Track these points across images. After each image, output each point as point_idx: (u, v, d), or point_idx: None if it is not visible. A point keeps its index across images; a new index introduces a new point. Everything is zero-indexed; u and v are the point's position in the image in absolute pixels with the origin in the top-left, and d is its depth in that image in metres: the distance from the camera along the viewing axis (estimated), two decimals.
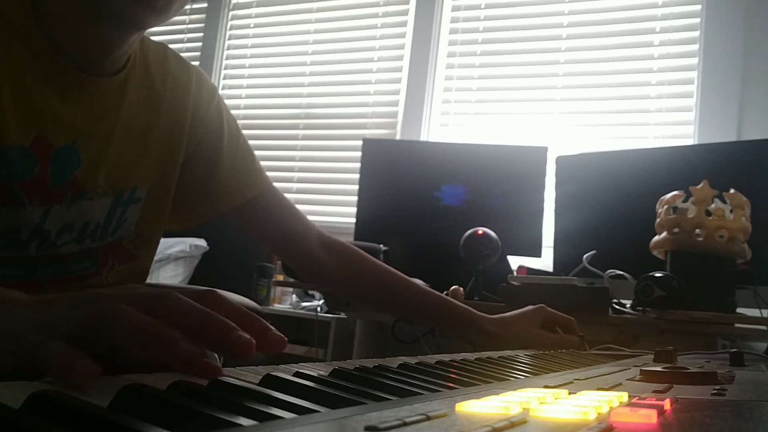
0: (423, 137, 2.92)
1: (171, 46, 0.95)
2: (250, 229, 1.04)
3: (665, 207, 1.52)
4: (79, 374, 0.31)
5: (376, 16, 3.19)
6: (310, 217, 1.11)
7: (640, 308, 1.45)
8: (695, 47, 2.54)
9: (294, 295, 2.83)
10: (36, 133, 0.76)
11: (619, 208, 1.86)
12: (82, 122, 0.79)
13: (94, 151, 0.81)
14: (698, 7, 2.55)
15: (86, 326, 0.37)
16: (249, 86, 3.47)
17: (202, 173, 0.95)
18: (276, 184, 1.06)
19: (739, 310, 1.48)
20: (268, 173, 1.05)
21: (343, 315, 2.37)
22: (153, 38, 0.92)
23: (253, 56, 3.48)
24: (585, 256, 1.65)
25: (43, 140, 0.76)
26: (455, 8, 3.01)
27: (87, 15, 0.74)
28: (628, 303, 1.51)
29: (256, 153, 1.04)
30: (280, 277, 2.51)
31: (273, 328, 0.41)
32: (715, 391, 0.43)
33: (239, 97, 3.46)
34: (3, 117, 0.73)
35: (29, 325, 0.38)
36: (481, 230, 1.79)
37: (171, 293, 0.40)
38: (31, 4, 0.74)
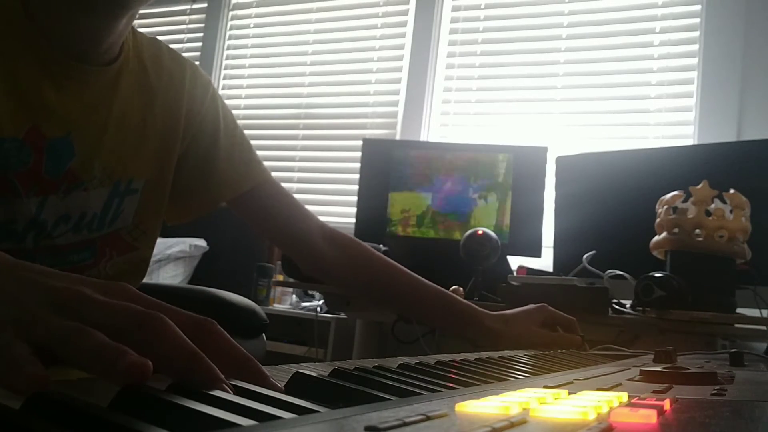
0: (423, 137, 2.92)
1: (171, 46, 0.95)
2: (250, 221, 1.04)
3: (665, 207, 1.52)
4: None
5: (376, 16, 3.19)
6: None
7: (640, 308, 1.45)
8: (695, 47, 2.54)
9: (294, 295, 2.83)
10: (30, 125, 0.76)
11: (619, 208, 1.86)
12: (76, 113, 0.79)
13: (88, 142, 0.81)
14: (698, 7, 2.55)
15: (53, 341, 0.34)
16: (249, 86, 3.47)
17: (200, 165, 0.96)
18: None
19: (739, 310, 1.48)
20: None
21: (343, 315, 2.38)
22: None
23: (253, 56, 3.48)
24: (585, 256, 1.65)
25: (36, 131, 0.76)
26: (455, 8, 3.01)
27: (73, 2, 0.74)
28: (628, 303, 1.51)
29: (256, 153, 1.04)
30: (280, 277, 2.51)
31: (269, 375, 0.37)
32: (715, 392, 0.43)
33: (239, 97, 3.46)
34: None
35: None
36: (481, 230, 1.79)
37: (161, 319, 0.34)
38: None
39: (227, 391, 0.31)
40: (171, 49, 0.94)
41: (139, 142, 0.87)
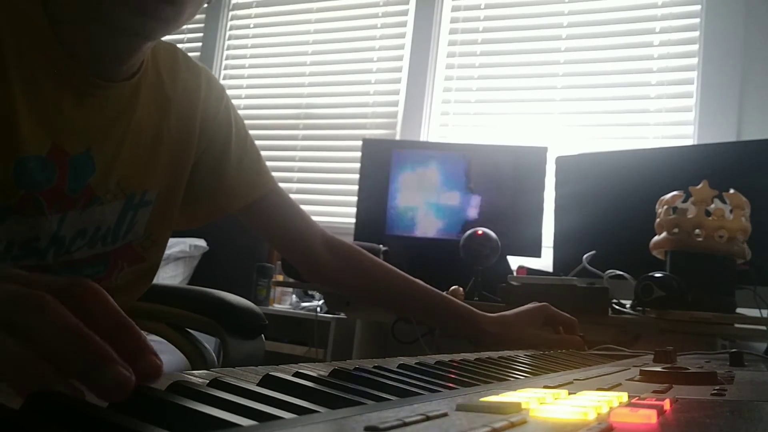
0: (423, 137, 2.92)
1: None
2: (254, 228, 1.05)
3: (665, 207, 1.51)
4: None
5: (376, 16, 3.19)
6: None
7: (640, 308, 1.45)
8: (695, 47, 2.54)
9: (294, 296, 2.83)
10: (52, 142, 0.76)
11: (619, 208, 1.86)
12: (96, 128, 0.79)
13: (107, 157, 0.81)
14: (698, 7, 2.55)
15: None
16: (249, 86, 3.47)
17: (211, 174, 0.96)
18: None
19: (739, 310, 1.48)
20: None
21: (342, 315, 2.37)
22: None
23: (253, 56, 3.48)
24: (585, 256, 1.65)
25: (59, 149, 0.76)
26: (455, 8, 3.01)
27: (99, 26, 0.74)
28: (628, 303, 1.51)
29: None
30: (280, 277, 2.51)
31: (152, 349, 0.33)
32: (715, 392, 0.43)
33: (239, 97, 3.46)
34: (19, 127, 0.73)
35: None
36: (481, 230, 1.79)
37: (40, 298, 0.32)
38: (45, 11, 0.74)
39: (126, 372, 0.29)
40: (187, 56, 0.93)
41: (154, 153, 0.87)
